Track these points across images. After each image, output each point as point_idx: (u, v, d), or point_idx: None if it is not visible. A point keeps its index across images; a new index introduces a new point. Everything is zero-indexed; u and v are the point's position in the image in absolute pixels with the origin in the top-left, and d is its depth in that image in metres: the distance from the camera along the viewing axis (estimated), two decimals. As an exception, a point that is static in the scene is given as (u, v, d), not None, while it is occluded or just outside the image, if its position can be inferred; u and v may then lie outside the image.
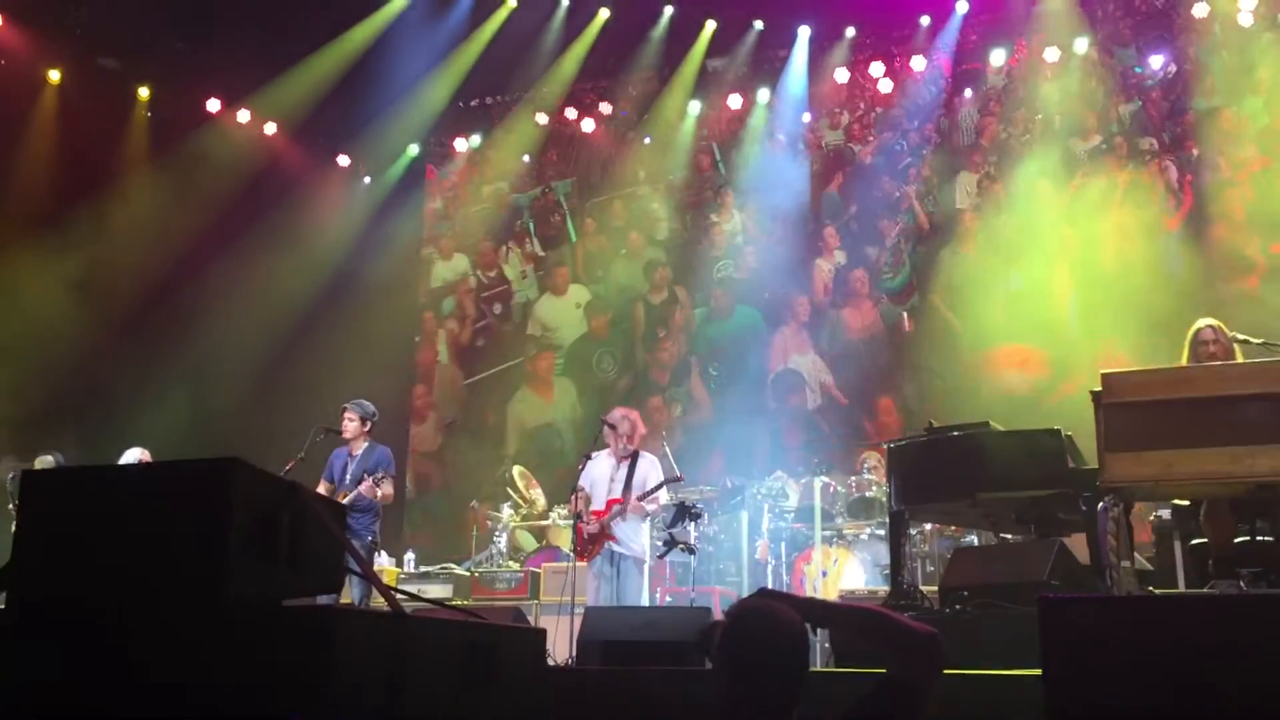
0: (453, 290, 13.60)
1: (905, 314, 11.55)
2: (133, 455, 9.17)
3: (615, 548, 8.23)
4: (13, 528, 2.86)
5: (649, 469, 8.50)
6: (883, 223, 11.99)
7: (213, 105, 13.02)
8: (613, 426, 8.51)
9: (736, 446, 11.40)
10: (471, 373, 13.19)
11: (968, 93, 12.28)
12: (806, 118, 12.87)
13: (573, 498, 8.47)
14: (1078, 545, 5.88)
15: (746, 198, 12.55)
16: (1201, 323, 6.58)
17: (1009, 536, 7.10)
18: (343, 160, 14.32)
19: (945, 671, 2.83)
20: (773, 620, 2.79)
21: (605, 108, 13.67)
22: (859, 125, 12.35)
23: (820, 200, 12.37)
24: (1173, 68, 11.38)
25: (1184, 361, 6.46)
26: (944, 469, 6.33)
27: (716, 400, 12.00)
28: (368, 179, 14.64)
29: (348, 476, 8.71)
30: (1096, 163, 11.38)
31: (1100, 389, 5.38)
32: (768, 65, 12.99)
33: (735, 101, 13.16)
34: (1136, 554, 6.86)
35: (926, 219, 11.92)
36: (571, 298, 12.76)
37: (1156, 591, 5.94)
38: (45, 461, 9.21)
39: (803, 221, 12.26)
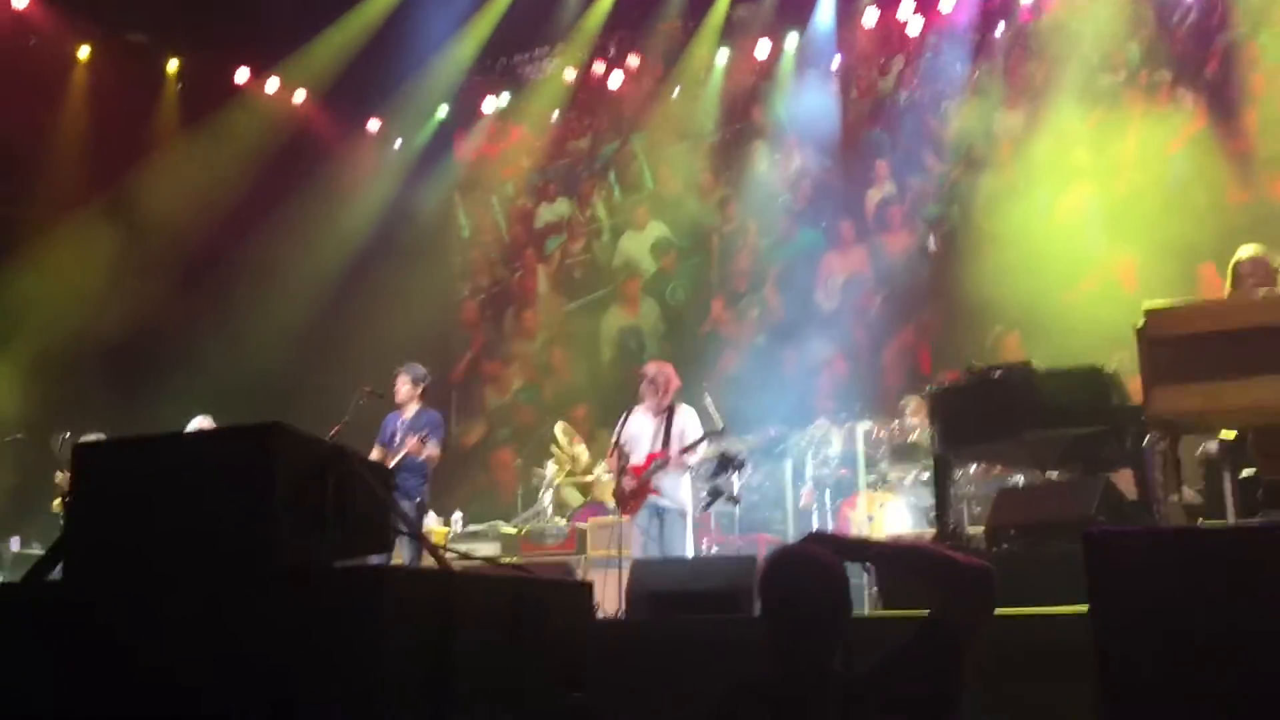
0: (554, 230, 14.40)
1: (939, 236, 12.09)
2: (197, 423, 9.29)
3: (658, 501, 8.25)
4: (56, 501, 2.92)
5: (687, 421, 8.49)
6: (927, 156, 12.26)
7: (241, 75, 13.05)
8: (650, 380, 8.50)
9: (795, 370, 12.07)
10: (572, 298, 14.14)
11: (1000, 27, 12.18)
12: (837, 61, 12.86)
13: (611, 453, 8.50)
14: (1125, 482, 5.84)
15: (797, 136, 13.08)
16: (1245, 250, 6.44)
17: (1054, 475, 7.07)
18: (373, 125, 14.33)
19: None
20: (807, 564, 2.80)
21: (633, 60, 13.72)
22: (906, 69, 12.64)
23: (865, 137, 12.79)
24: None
25: (1227, 290, 6.37)
26: (987, 410, 6.28)
27: (788, 310, 12.67)
28: (399, 142, 14.65)
29: (398, 440, 8.76)
30: (1119, 92, 11.41)
31: (1143, 323, 5.32)
32: (795, 11, 12.98)
33: (763, 47, 13.12)
34: (1185, 488, 6.80)
35: (965, 152, 12.12)
36: (650, 232, 13.73)
37: (1204, 523, 5.90)
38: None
39: (853, 158, 12.71)
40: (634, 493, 8.31)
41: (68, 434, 9.12)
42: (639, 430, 8.50)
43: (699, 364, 12.06)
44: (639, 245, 13.75)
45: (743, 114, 13.49)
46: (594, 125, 14.36)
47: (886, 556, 3.38)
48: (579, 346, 13.92)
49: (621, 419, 8.63)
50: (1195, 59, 11.11)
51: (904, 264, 12.15)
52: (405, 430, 8.74)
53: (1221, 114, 10.71)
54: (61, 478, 9.65)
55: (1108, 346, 7.37)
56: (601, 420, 11.98)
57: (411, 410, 8.89)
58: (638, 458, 8.38)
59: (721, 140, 13.53)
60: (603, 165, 14.23)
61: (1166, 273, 9.72)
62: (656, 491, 8.26)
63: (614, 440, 8.53)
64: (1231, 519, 6.30)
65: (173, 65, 12.95)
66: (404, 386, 8.89)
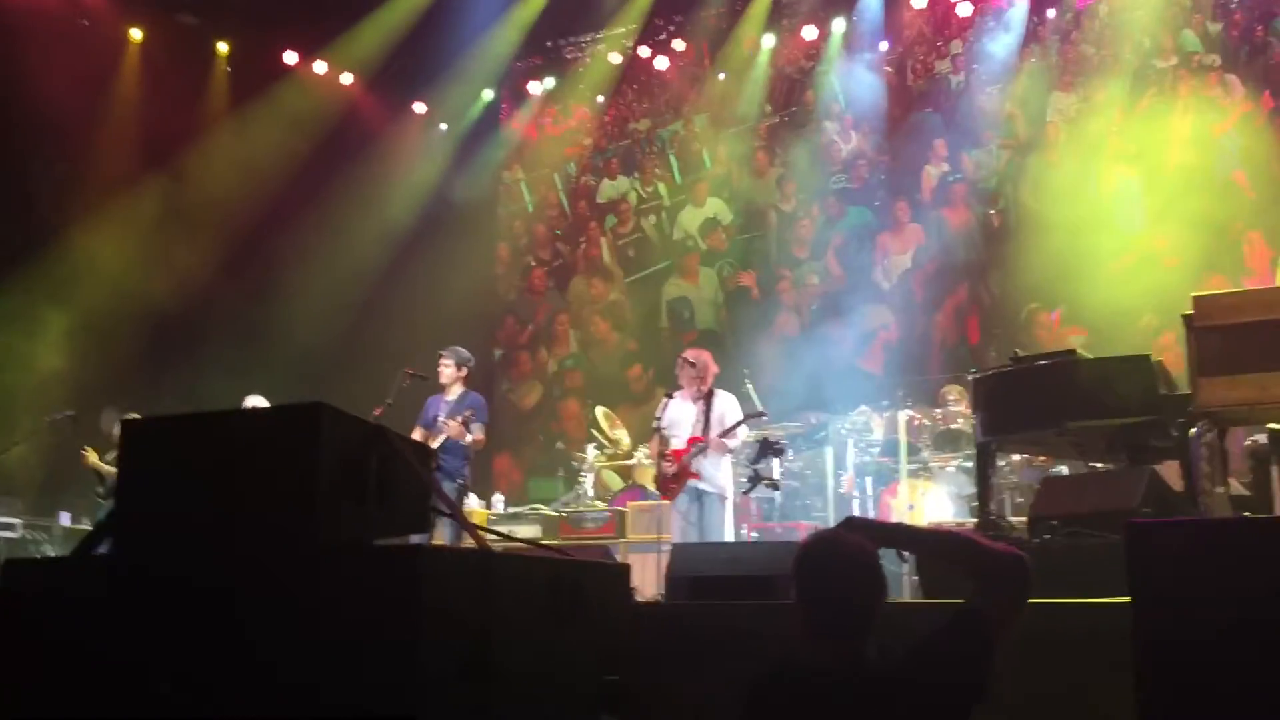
0: (614, 207, 14.65)
1: (995, 213, 12.29)
2: (250, 403, 9.41)
3: (698, 485, 8.28)
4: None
5: (726, 405, 8.52)
6: (984, 133, 12.41)
7: (290, 58, 13.14)
8: (691, 364, 8.52)
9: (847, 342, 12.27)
10: (629, 273, 14.42)
11: (1050, 13, 12.13)
12: (884, 46, 12.89)
13: (653, 439, 8.53)
14: (1171, 473, 5.77)
15: (852, 117, 13.32)
16: None
17: (1099, 465, 7.00)
18: (419, 107, 14.40)
19: (1031, 601, 2.81)
20: (841, 550, 2.80)
21: (679, 44, 13.76)
22: (959, 54, 12.76)
23: (917, 119, 12.92)
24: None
25: (1278, 278, 6.29)
26: (1031, 398, 6.22)
27: (850, 275, 12.92)
28: (444, 125, 14.71)
29: (440, 421, 8.83)
30: (1170, 75, 11.50)
31: (1191, 312, 5.26)
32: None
33: (810, 32, 13.13)
34: (1232, 480, 6.72)
35: (1020, 132, 12.27)
36: (709, 208, 14.01)
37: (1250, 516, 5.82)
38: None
39: (904, 140, 12.86)
40: (674, 477, 8.34)
41: (116, 411, 9.26)
42: (679, 415, 8.53)
43: (755, 335, 12.63)
44: (695, 220, 14.08)
45: (793, 98, 13.63)
46: (651, 108, 14.54)
47: (921, 543, 3.38)
48: (639, 314, 14.24)
49: (662, 404, 8.66)
50: (1245, 43, 11.21)
51: (964, 238, 12.33)
52: (449, 412, 8.80)
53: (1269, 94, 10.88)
54: (92, 456, 9.84)
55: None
56: (660, 378, 12.44)
57: (455, 393, 8.96)
58: (678, 442, 8.41)
59: (774, 124, 13.72)
60: (661, 145, 14.50)
61: (1209, 245, 10.25)
62: (696, 475, 8.28)
63: (655, 425, 8.56)
64: (1279, 512, 6.22)
65: (223, 47, 13.07)
66: (447, 369, 8.95)
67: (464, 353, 9.08)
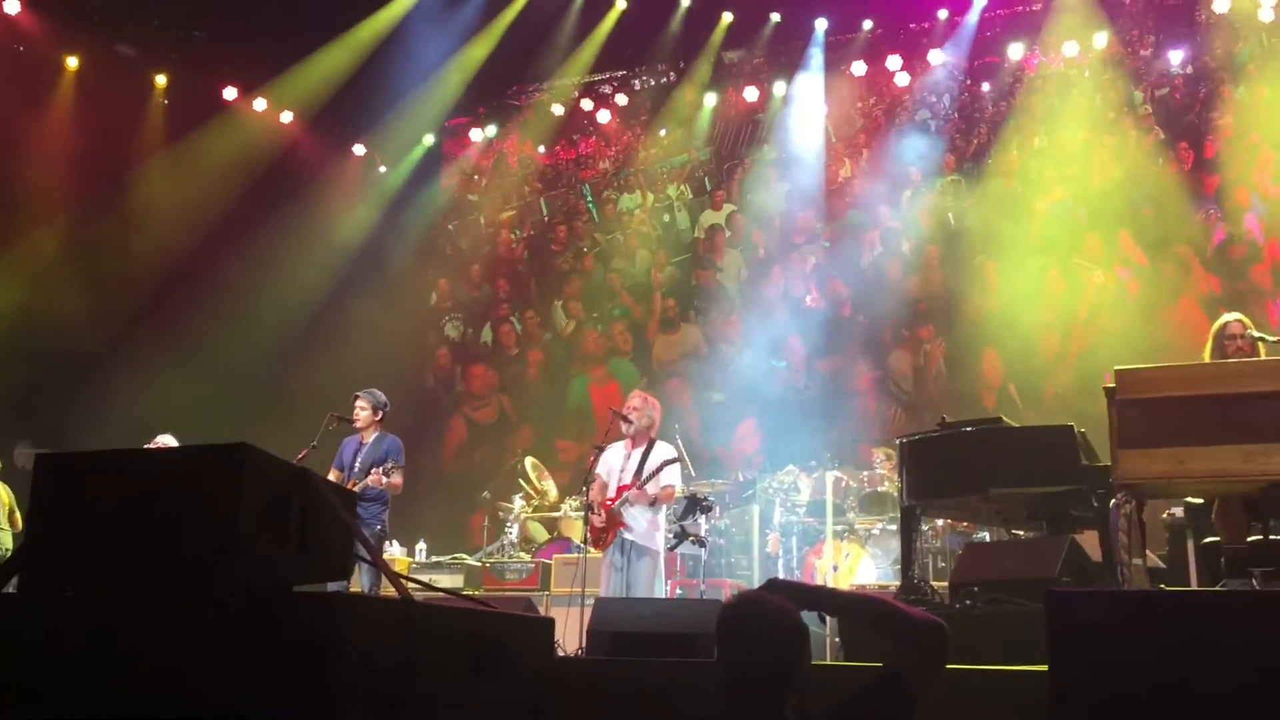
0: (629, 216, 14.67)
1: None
2: (160, 442, 9.23)
3: (626, 535, 8.18)
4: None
5: (662, 455, 8.41)
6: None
7: (229, 93, 13.05)
8: (635, 410, 8.44)
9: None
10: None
11: (985, 86, 12.49)
12: (824, 109, 13.16)
13: (585, 488, 8.44)
14: (1090, 542, 5.86)
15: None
16: (1229, 317, 6.55)
17: (1020, 533, 7.09)
18: (358, 149, 14.36)
19: (951, 666, 2.83)
20: (763, 611, 2.81)
21: (621, 99, 13.99)
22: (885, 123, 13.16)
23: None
24: (1189, 67, 11.73)
25: (1207, 355, 6.44)
26: (956, 464, 6.31)
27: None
28: (383, 168, 14.69)
29: (357, 464, 8.74)
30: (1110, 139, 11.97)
31: (1113, 384, 5.36)
32: (784, 58, 13.30)
33: (751, 94, 13.41)
34: (1149, 552, 6.84)
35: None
36: (724, 210, 14.11)
37: (1166, 589, 5.92)
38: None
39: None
40: (605, 527, 8.25)
41: (30, 445, 9.03)
42: (614, 464, 8.43)
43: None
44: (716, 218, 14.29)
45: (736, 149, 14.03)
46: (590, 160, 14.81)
47: (843, 606, 3.41)
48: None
49: (594, 454, 8.55)
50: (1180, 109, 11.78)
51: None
52: (366, 457, 8.72)
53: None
54: None
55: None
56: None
57: (371, 436, 8.88)
58: (610, 491, 8.32)
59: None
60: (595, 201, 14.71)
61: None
62: (625, 524, 8.20)
63: (589, 475, 8.45)
64: (1194, 584, 6.34)
65: (161, 80, 12.93)
66: (363, 412, 8.88)
67: (380, 396, 9.00)
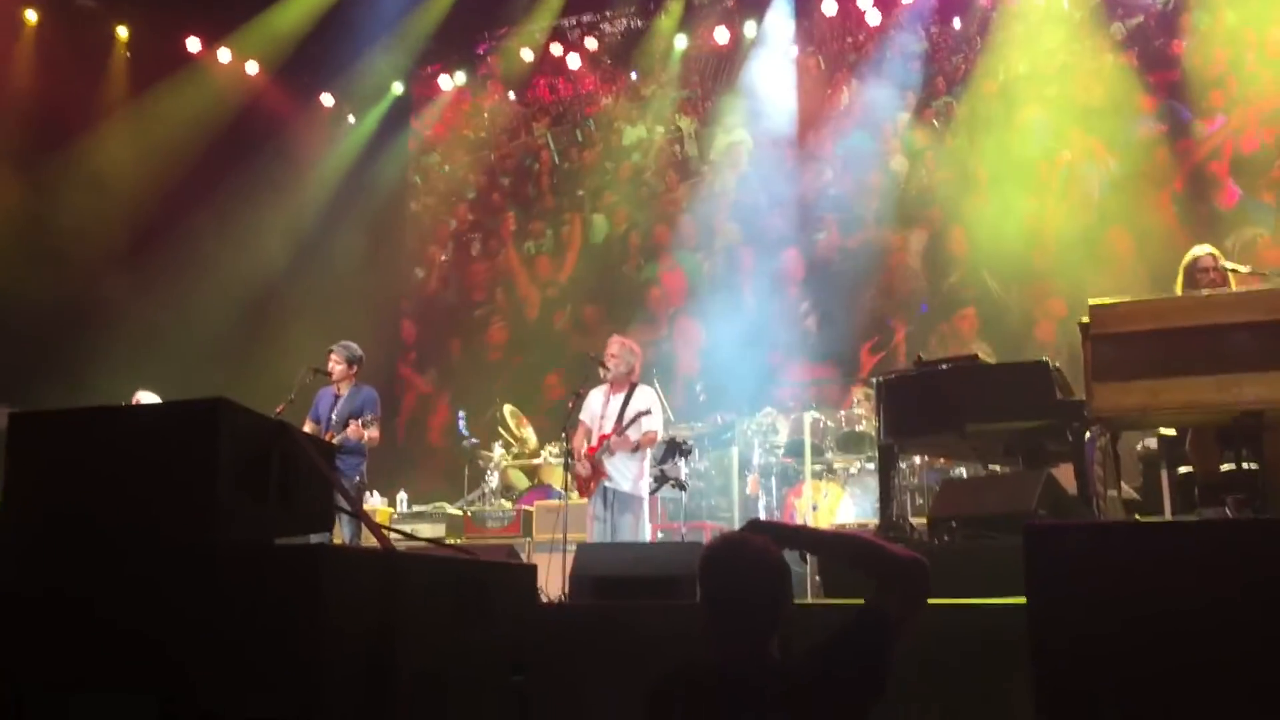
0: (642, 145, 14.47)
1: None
2: (139, 398, 9.18)
3: (607, 484, 8.21)
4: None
5: (644, 401, 8.37)
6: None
7: (193, 45, 12.84)
8: (614, 355, 8.41)
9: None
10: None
11: (956, 22, 12.42)
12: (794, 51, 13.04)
13: (566, 434, 8.42)
14: (1065, 476, 5.92)
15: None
16: (1200, 249, 6.58)
17: (997, 468, 7.15)
18: (326, 99, 14.18)
19: (931, 601, 2.86)
20: (745, 552, 2.83)
21: (591, 43, 13.80)
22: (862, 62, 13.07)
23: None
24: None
25: (1179, 287, 6.47)
26: (932, 402, 6.34)
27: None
28: (351, 118, 14.52)
29: (334, 416, 8.73)
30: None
31: (1088, 320, 5.39)
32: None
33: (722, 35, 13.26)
34: (1124, 484, 6.91)
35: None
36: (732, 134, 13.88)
37: (1142, 519, 5.99)
38: None
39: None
40: (589, 476, 8.27)
41: (5, 405, 8.92)
42: (598, 409, 8.42)
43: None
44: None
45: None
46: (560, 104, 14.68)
47: (823, 545, 3.48)
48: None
49: (574, 397, 8.52)
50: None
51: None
52: (343, 410, 8.71)
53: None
54: None
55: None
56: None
57: (346, 389, 8.86)
58: (593, 439, 8.32)
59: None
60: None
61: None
62: (606, 474, 8.22)
63: (570, 420, 8.44)
64: (1169, 515, 6.42)
65: (123, 32, 12.69)
66: (338, 366, 8.85)
67: (354, 348, 8.96)
